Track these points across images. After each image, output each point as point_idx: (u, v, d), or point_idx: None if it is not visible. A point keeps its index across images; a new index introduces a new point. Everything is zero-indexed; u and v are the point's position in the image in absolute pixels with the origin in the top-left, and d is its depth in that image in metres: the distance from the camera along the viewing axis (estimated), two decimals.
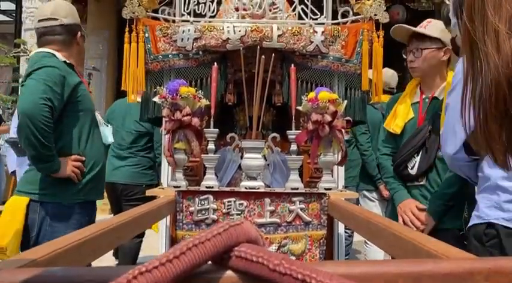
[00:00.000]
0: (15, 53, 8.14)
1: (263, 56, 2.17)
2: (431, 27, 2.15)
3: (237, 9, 2.59)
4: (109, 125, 2.33)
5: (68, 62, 2.20)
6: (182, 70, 2.41)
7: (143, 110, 2.43)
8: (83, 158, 2.11)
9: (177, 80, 2.17)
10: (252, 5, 2.59)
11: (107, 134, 2.25)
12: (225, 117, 2.69)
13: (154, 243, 2.46)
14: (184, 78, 2.40)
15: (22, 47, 8.21)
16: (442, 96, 2.11)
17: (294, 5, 2.53)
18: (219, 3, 2.63)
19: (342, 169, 2.32)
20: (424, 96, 2.18)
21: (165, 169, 2.34)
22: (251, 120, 2.73)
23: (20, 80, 4.52)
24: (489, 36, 0.55)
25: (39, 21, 2.23)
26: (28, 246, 1.98)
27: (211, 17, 2.56)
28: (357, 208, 1.56)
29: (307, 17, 2.49)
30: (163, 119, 2.14)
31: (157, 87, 2.23)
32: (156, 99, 2.16)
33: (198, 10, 2.50)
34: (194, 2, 2.47)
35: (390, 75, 3.88)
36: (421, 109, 2.15)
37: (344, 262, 0.61)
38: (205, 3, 2.49)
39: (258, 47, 2.29)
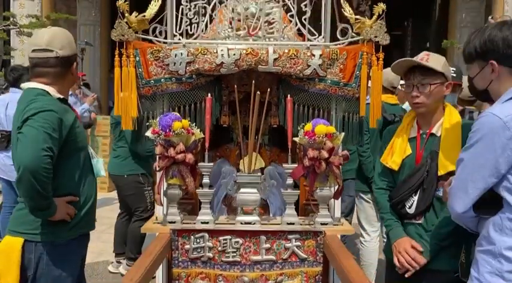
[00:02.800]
0: (4, 26, 7.89)
1: (258, 92, 2.09)
2: (434, 60, 2.06)
3: (231, 22, 2.49)
4: (100, 159, 2.28)
5: (61, 97, 2.11)
6: (175, 94, 2.34)
7: (135, 135, 2.38)
8: (77, 198, 2.09)
9: (170, 114, 2.11)
10: (246, 16, 2.49)
11: (99, 167, 2.21)
12: (220, 126, 2.64)
13: None
14: (177, 103, 2.35)
15: (11, 19, 7.95)
16: (440, 133, 2.06)
17: (291, 23, 2.43)
18: (212, 16, 2.51)
19: (338, 201, 2.30)
20: (421, 132, 2.12)
21: (160, 209, 2.32)
22: (247, 130, 2.70)
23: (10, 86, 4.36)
24: None
25: (34, 51, 2.11)
26: None
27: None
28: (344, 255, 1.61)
29: (304, 39, 2.38)
30: (156, 156, 2.10)
31: (150, 120, 2.16)
32: (148, 133, 2.10)
33: (191, 30, 2.38)
34: (186, 22, 2.35)
35: (394, 75, 3.79)
36: (419, 145, 2.08)
37: None
38: (198, 23, 2.38)
39: (253, 73, 2.20)
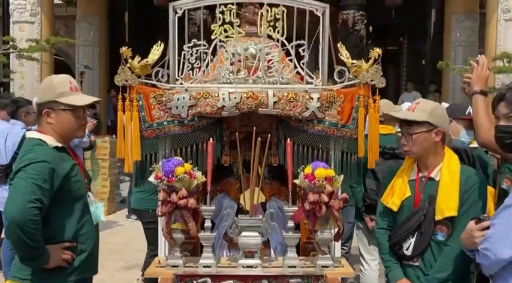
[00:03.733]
0: (4, 50, 7.96)
1: (259, 139, 2.14)
2: (419, 110, 2.15)
3: (232, 64, 2.55)
4: (101, 203, 2.31)
5: (59, 145, 2.13)
6: (177, 136, 2.38)
7: (138, 177, 2.42)
8: (74, 244, 2.10)
9: (173, 160, 2.15)
10: (246, 56, 2.55)
11: (99, 213, 2.21)
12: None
13: None
14: (179, 144, 2.40)
15: (11, 43, 8.03)
16: (438, 178, 2.12)
17: (290, 66, 2.49)
18: (212, 59, 2.58)
19: (338, 243, 2.34)
20: (420, 175, 2.18)
21: (162, 241, 2.36)
22: (247, 163, 2.74)
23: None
24: None
25: None
26: None
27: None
28: None
29: (303, 79, 2.45)
30: (159, 202, 2.13)
31: (153, 165, 2.21)
32: (151, 179, 2.14)
33: (193, 75, 2.44)
34: (188, 67, 2.42)
35: (387, 105, 3.85)
36: (418, 188, 2.14)
37: None
38: (199, 68, 2.44)
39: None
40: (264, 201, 2.69)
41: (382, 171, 2.99)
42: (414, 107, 2.14)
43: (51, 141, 2.10)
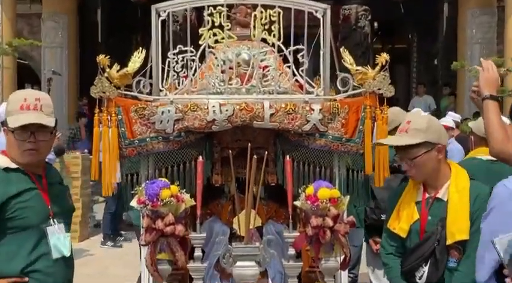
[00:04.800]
0: None
1: (254, 156, 2.18)
2: (413, 130, 2.17)
3: (222, 72, 2.59)
4: (67, 234, 2.21)
5: (11, 167, 2.10)
6: (162, 154, 2.42)
7: (119, 201, 2.44)
8: (25, 279, 2.04)
9: (157, 182, 2.17)
10: (238, 63, 2.59)
11: (60, 246, 2.13)
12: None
13: None
14: (164, 163, 2.43)
15: None
16: (446, 198, 2.17)
17: (288, 74, 2.54)
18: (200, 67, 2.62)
19: (345, 272, 2.37)
20: (427, 196, 2.22)
21: (145, 274, 2.37)
22: (241, 183, 2.76)
23: None
24: None
25: None
26: None
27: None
28: None
29: (302, 89, 2.50)
30: (142, 229, 2.15)
31: (136, 188, 2.22)
32: (133, 203, 2.16)
33: (179, 85, 2.48)
34: (173, 75, 2.45)
35: (396, 113, 3.91)
36: (424, 210, 2.17)
37: None
38: (186, 77, 2.48)
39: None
40: (260, 225, 2.71)
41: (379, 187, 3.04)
42: (406, 128, 2.19)
43: (3, 161, 2.10)
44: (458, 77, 10.63)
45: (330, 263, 2.21)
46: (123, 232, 7.31)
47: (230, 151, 2.36)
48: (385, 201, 3.19)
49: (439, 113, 9.30)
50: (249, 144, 2.24)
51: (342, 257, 2.25)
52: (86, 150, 7.88)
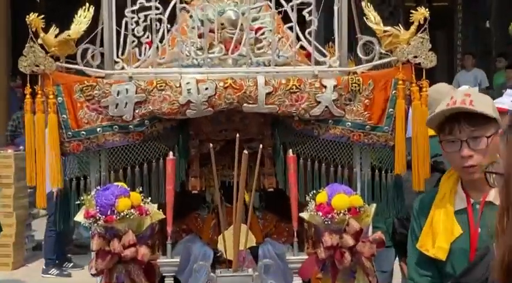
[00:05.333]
0: None
1: (245, 151, 2.14)
2: (481, 103, 2.12)
3: (200, 36, 2.54)
4: None
5: None
6: (118, 150, 2.38)
7: (59, 212, 2.42)
8: None
9: (112, 187, 2.14)
10: (222, 24, 2.55)
11: None
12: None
13: None
14: (121, 163, 2.40)
15: None
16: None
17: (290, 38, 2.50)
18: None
19: None
20: (472, 201, 2.18)
21: None
22: (227, 188, 2.74)
23: None
24: None
25: None
26: None
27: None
28: None
29: (309, 59, 2.46)
30: (92, 252, 2.12)
31: (83, 196, 2.18)
32: (79, 218, 2.14)
33: (140, 55, 2.43)
34: (133, 42, 2.40)
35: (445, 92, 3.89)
36: (472, 221, 2.13)
37: None
38: (150, 43, 2.43)
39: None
40: (254, 245, 2.69)
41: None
42: (470, 100, 2.13)
43: None
44: None
45: None
46: (71, 256, 7.32)
47: (211, 145, 2.31)
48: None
49: (492, 92, 9.29)
50: (237, 135, 2.19)
51: None
52: (21, 147, 7.82)
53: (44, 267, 7.20)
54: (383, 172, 2.42)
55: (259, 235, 2.73)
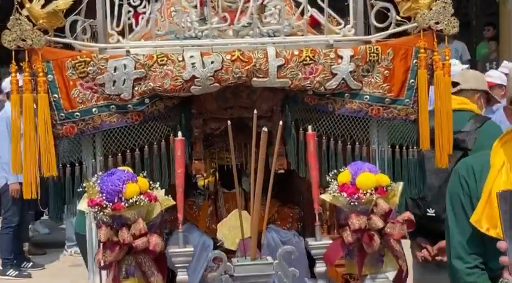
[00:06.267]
0: None
1: (264, 129, 2.12)
2: None
3: (202, 3, 2.51)
4: None
5: None
6: (116, 133, 2.35)
7: (54, 206, 2.37)
8: None
9: (118, 171, 2.10)
10: None
11: None
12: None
13: None
14: (119, 145, 2.36)
15: None
16: None
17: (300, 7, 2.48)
18: None
19: None
20: None
21: None
22: (225, 172, 2.73)
23: None
24: None
25: None
26: None
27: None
28: None
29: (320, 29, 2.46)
30: (100, 243, 2.11)
31: (86, 182, 2.15)
32: (82, 207, 2.11)
33: (137, 25, 2.40)
34: (129, 11, 2.37)
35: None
36: None
37: None
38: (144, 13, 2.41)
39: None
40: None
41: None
42: None
43: None
44: (501, 14, 10.78)
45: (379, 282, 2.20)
46: (30, 256, 7.26)
47: (229, 122, 2.24)
48: (434, 189, 3.21)
49: (472, 65, 9.34)
50: (255, 112, 2.17)
51: (395, 273, 2.24)
52: None
53: (1, 268, 7.12)
54: (405, 149, 2.43)
55: (261, 222, 2.72)
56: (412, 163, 2.44)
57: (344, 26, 2.45)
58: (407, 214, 2.21)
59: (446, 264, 3.29)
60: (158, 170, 2.38)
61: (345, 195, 2.14)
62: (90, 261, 2.41)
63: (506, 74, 6.22)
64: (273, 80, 2.31)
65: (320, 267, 2.23)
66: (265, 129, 2.14)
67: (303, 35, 2.47)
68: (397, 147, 2.44)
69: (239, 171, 2.85)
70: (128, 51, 2.31)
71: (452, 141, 2.42)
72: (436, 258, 3.35)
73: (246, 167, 2.83)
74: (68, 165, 2.35)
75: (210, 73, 2.27)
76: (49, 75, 2.27)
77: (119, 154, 2.36)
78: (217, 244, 2.72)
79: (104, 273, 2.36)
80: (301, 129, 2.41)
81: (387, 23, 2.46)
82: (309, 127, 2.31)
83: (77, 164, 2.35)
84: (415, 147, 2.43)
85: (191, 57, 2.27)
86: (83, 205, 2.11)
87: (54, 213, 2.38)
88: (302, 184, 2.75)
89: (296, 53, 2.32)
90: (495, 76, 6.12)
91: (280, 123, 2.21)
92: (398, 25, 2.43)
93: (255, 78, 2.31)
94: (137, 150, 2.37)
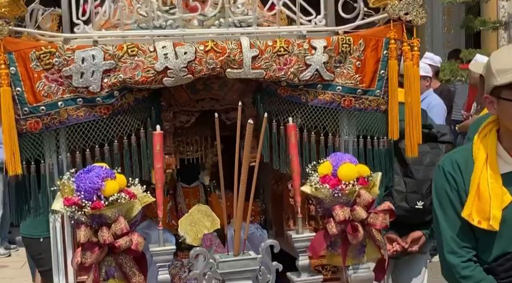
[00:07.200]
0: None
1: (250, 121, 2.07)
2: None
3: None
4: None
5: None
6: (84, 127, 2.25)
7: (19, 206, 2.24)
8: None
9: (97, 169, 2.01)
10: None
11: None
12: None
13: None
14: (87, 140, 2.26)
15: None
16: None
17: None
18: None
19: None
20: None
21: None
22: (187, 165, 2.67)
23: None
24: None
25: None
26: None
27: None
28: None
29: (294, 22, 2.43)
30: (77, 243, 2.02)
31: (59, 180, 2.05)
32: (56, 207, 2.01)
33: (105, 15, 2.29)
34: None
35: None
36: None
37: None
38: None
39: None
40: (218, 227, 2.67)
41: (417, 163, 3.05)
42: None
43: None
44: None
45: (360, 273, 2.21)
46: None
47: (216, 115, 2.20)
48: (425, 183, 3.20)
49: None
50: (240, 103, 2.13)
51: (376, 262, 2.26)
52: None
53: None
54: (375, 139, 2.44)
55: (222, 217, 2.68)
56: (383, 153, 2.45)
57: (315, 17, 2.43)
58: (388, 204, 2.22)
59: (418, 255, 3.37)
60: (128, 166, 2.29)
61: (328, 186, 2.12)
62: (55, 265, 2.31)
63: (430, 65, 6.46)
64: (247, 71, 2.27)
65: (303, 260, 2.21)
66: (250, 121, 2.09)
67: (269, 26, 2.45)
68: (368, 137, 2.44)
69: (198, 165, 2.81)
70: (95, 41, 2.21)
71: (420, 130, 2.43)
72: (410, 249, 3.35)
73: (205, 160, 2.78)
74: (33, 163, 2.22)
75: (183, 64, 2.21)
76: (11, 68, 2.15)
77: (87, 151, 2.26)
78: (179, 241, 2.67)
79: (71, 276, 2.27)
80: (274, 121, 2.37)
81: (355, 13, 2.44)
82: (289, 119, 2.29)
83: (42, 161, 2.23)
84: (385, 137, 2.44)
85: (163, 47, 2.21)
86: (57, 204, 2.02)
87: (16, 215, 2.25)
88: (264, 177, 2.72)
89: (270, 43, 2.29)
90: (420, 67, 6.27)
91: (266, 115, 2.17)
92: (367, 16, 2.43)
93: (229, 69, 2.26)
94: (106, 145, 2.27)
